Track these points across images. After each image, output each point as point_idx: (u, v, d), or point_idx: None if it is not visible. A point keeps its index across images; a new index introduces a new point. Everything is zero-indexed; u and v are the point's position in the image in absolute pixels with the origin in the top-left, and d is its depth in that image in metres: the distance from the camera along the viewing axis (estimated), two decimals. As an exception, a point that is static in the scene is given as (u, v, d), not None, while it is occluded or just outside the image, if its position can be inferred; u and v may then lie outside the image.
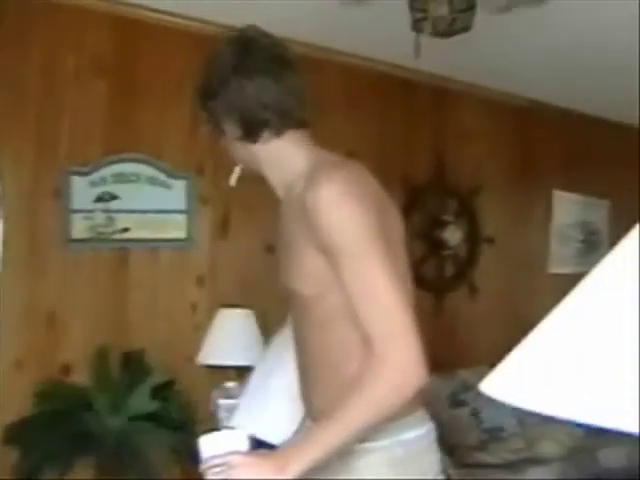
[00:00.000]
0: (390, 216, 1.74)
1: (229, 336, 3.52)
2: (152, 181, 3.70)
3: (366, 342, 1.53)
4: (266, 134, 1.74)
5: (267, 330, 3.65)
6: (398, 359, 1.48)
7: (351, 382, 1.53)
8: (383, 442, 1.65)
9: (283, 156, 1.76)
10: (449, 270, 5.00)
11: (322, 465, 1.57)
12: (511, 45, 4.17)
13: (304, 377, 1.84)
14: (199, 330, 3.66)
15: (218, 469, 1.54)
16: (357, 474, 1.65)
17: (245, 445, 1.59)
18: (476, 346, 4.76)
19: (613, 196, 6.02)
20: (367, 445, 1.64)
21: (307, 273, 1.67)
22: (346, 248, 1.55)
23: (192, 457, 1.65)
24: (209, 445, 1.57)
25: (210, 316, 3.62)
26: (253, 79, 1.71)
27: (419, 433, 1.72)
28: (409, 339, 1.48)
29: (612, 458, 4.36)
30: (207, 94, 1.79)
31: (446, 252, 4.89)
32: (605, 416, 0.72)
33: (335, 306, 1.64)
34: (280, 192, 1.80)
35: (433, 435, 1.79)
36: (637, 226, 0.86)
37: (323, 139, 1.85)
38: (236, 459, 1.53)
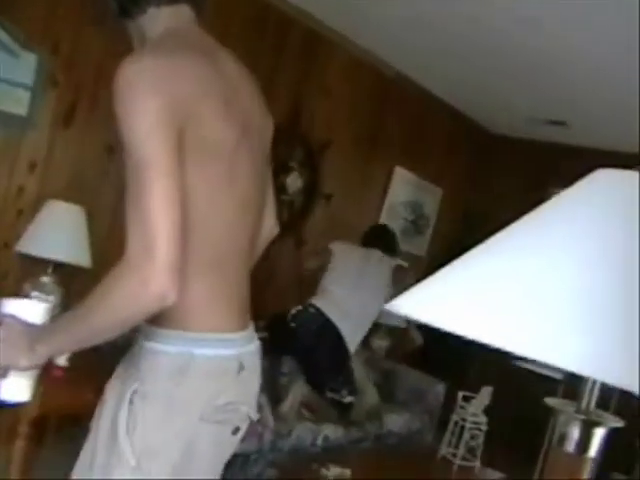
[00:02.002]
0: (242, 115, 1.65)
1: (54, 229, 3.28)
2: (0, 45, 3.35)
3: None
4: (135, 10, 1.69)
5: (94, 229, 3.45)
6: (140, 266, 1.41)
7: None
8: (168, 348, 1.59)
9: (143, 34, 1.71)
10: (282, 217, 4.94)
11: (127, 356, 1.68)
12: (394, 9, 4.14)
13: None
14: (22, 217, 3.39)
15: None
16: (141, 372, 1.60)
17: (39, 317, 1.59)
18: (293, 296, 4.72)
19: (446, 185, 6.20)
20: (154, 345, 1.61)
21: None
22: (127, 140, 1.46)
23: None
24: (7, 306, 1.59)
25: (36, 206, 3.37)
26: None
27: (215, 353, 1.62)
28: (158, 249, 1.41)
29: (394, 422, 4.79)
30: None
31: (285, 197, 4.84)
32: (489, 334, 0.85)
33: None
34: None
35: (247, 362, 1.68)
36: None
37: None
38: (7, 320, 1.54)
